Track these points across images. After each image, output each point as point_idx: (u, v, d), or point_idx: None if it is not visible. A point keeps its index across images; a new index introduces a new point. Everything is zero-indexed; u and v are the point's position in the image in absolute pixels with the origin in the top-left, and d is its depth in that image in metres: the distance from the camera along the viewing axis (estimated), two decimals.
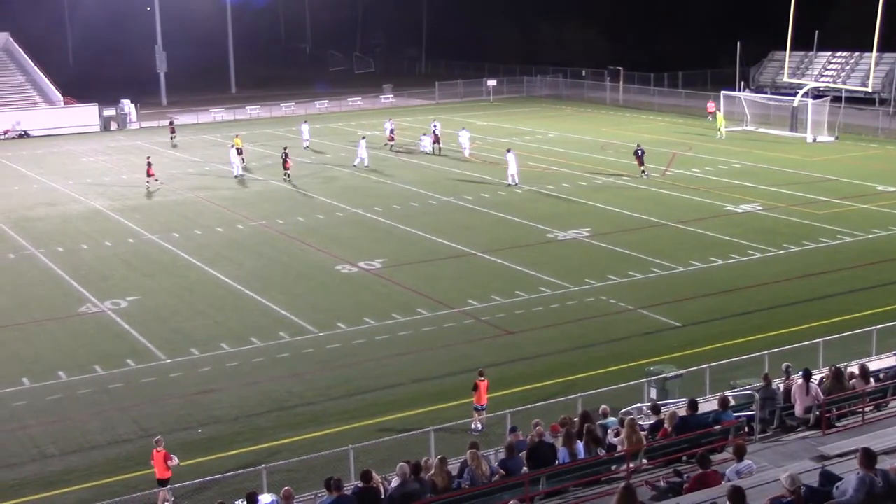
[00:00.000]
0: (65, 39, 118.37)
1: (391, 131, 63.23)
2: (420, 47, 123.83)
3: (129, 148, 66.65)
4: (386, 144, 62.46)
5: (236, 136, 61.40)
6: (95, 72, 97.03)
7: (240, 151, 57.32)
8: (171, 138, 68.60)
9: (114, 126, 77.37)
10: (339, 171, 55.85)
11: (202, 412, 24.98)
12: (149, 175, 52.66)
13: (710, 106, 68.47)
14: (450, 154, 59.67)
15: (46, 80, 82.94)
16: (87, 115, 77.32)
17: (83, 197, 50.89)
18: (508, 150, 51.77)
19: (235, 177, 54.82)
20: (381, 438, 21.65)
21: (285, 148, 54.99)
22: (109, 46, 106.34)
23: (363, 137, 59.28)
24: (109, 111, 77.98)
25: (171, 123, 70.74)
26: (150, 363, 28.07)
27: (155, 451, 20.24)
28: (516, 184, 49.71)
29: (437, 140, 61.51)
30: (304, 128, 65.64)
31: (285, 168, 53.14)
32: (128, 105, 79.33)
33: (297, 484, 18.50)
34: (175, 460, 20.14)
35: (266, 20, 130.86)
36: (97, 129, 76.50)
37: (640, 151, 51.76)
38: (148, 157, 53.96)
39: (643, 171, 51.34)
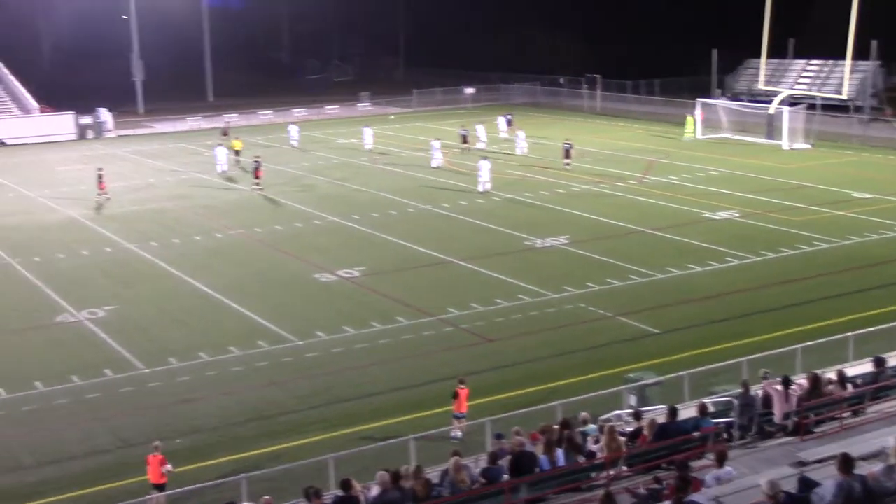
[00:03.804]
0: (39, 48, 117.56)
1: (465, 137, 64.43)
2: (398, 55, 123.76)
3: (106, 157, 66.21)
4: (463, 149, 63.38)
5: (237, 138, 63.56)
6: (71, 80, 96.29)
7: (237, 153, 60.49)
8: (223, 141, 66.04)
9: (90, 135, 76.84)
10: (317, 180, 55.76)
11: (181, 422, 24.88)
12: (100, 189, 50.76)
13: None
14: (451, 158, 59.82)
15: (22, 88, 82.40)
16: (63, 123, 76.72)
17: (59, 206, 50.56)
18: (484, 158, 51.87)
19: (220, 173, 57.59)
20: (361, 447, 21.64)
21: (257, 157, 54.26)
22: (85, 54, 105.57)
23: (437, 139, 59.83)
24: (86, 120, 77.45)
25: (226, 124, 70.74)
26: (128, 373, 27.92)
27: (151, 455, 20.31)
28: (488, 191, 49.81)
29: (465, 141, 63.95)
30: (293, 129, 67.47)
31: (256, 177, 52.57)
32: (104, 114, 78.85)
33: (277, 493, 18.42)
34: (169, 466, 20.26)
35: (243, 28, 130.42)
36: (73, 137, 75.98)
37: (567, 146, 56.56)
38: (100, 169, 52.12)
39: (567, 164, 55.83)
